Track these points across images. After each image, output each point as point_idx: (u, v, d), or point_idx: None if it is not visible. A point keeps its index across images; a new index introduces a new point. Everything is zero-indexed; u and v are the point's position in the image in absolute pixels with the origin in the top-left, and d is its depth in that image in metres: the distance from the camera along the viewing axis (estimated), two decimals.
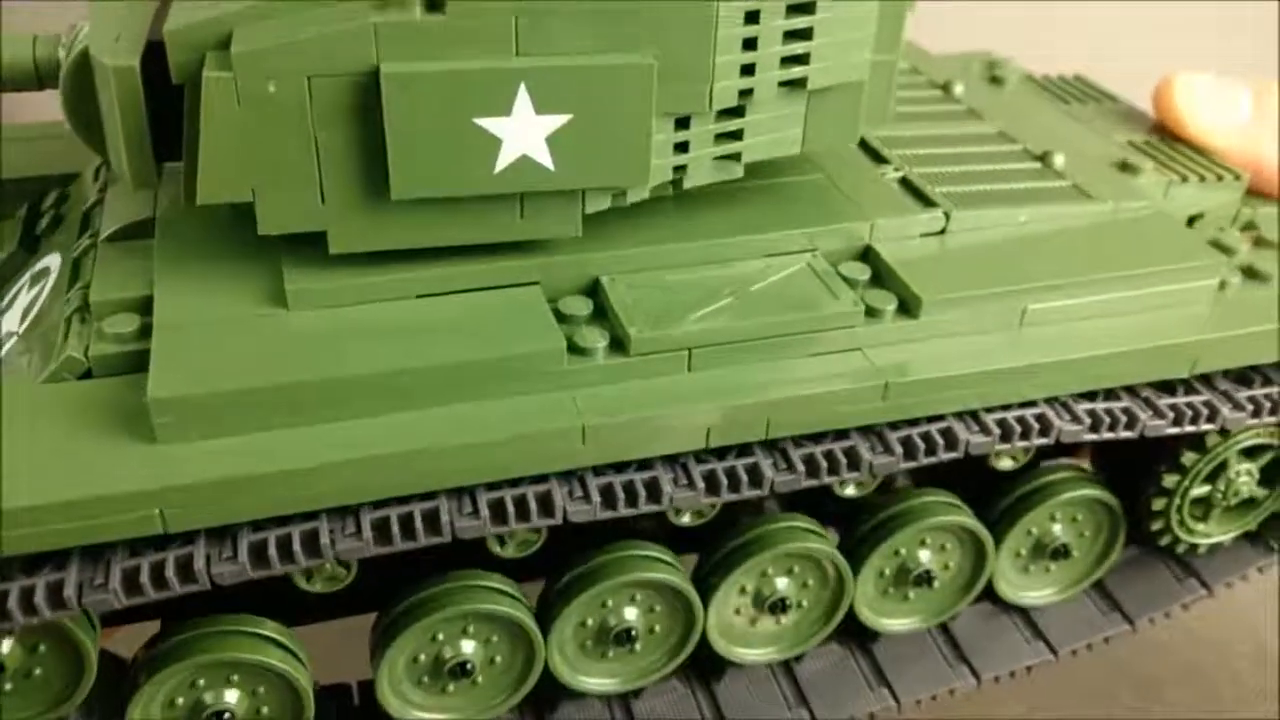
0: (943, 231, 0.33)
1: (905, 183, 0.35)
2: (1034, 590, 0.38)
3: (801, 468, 0.29)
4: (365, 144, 0.27)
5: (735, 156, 0.31)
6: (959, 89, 0.41)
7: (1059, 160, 0.36)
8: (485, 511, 0.27)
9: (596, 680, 0.34)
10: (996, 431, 0.31)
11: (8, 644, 0.28)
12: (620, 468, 0.29)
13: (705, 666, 0.36)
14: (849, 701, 0.37)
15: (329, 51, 0.26)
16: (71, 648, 0.28)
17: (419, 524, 0.27)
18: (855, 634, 0.37)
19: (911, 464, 0.30)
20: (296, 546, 0.26)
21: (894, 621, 0.37)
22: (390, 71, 0.26)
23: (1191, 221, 0.37)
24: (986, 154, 0.37)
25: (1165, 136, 0.40)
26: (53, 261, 0.33)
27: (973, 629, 0.38)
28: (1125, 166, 0.37)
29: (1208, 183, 0.37)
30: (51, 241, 0.35)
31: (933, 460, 0.30)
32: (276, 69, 0.26)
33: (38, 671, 0.28)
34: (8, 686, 0.28)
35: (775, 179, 0.33)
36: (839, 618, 0.35)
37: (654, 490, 0.28)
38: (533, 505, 0.27)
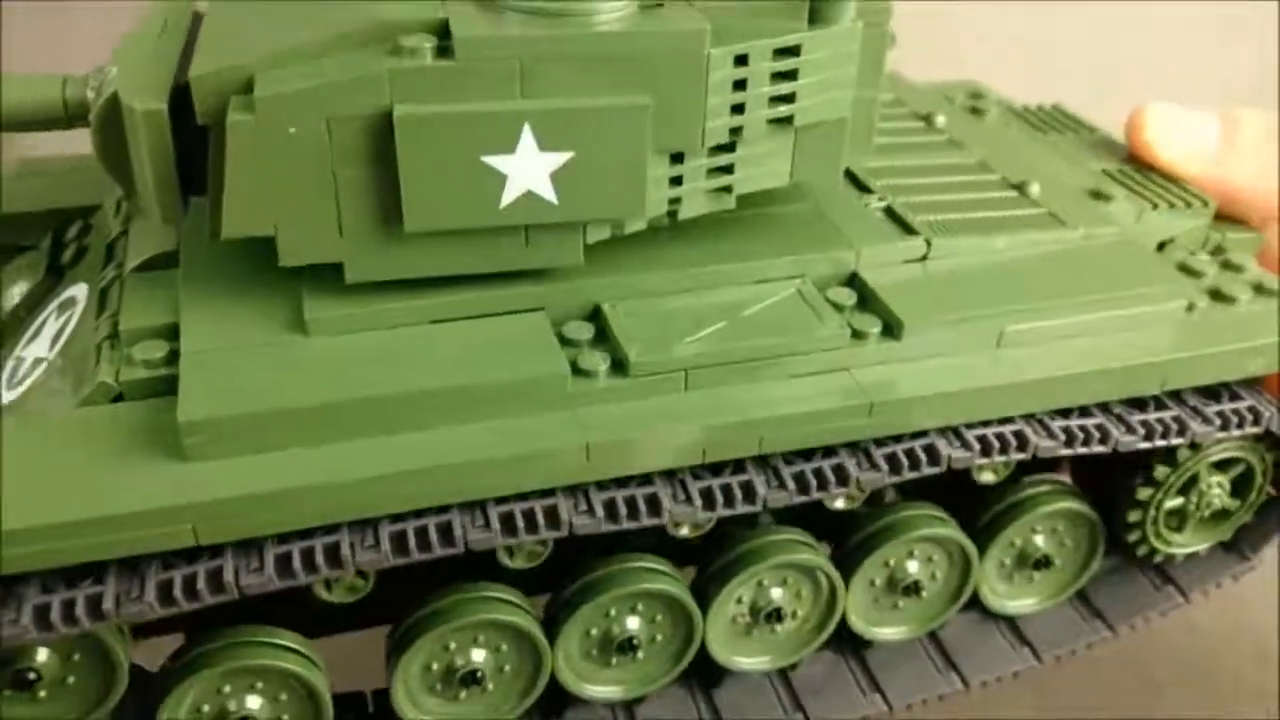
0: (924, 258, 0.35)
1: (889, 212, 0.36)
2: (1018, 599, 0.40)
3: (792, 484, 0.31)
4: (380, 180, 0.29)
5: (727, 189, 0.33)
6: (941, 120, 0.43)
7: (1035, 189, 0.38)
8: (496, 524, 0.29)
9: (601, 688, 0.35)
10: (976, 447, 0.32)
11: (44, 653, 0.29)
12: (622, 483, 0.30)
13: (704, 672, 0.38)
14: (843, 706, 0.38)
15: (346, 96, 0.28)
16: (104, 657, 0.30)
17: (434, 536, 0.28)
18: (849, 641, 0.39)
19: (896, 479, 0.32)
20: (319, 558, 0.28)
21: (885, 630, 0.38)
22: (403, 114, 0.28)
23: (1162, 246, 0.39)
24: (966, 183, 0.39)
25: (1138, 165, 0.42)
26: (79, 291, 0.35)
27: (961, 636, 0.40)
28: (1098, 194, 0.39)
29: (1177, 209, 0.39)
30: (77, 271, 0.37)
31: (916, 475, 0.32)
32: (297, 112, 0.28)
33: (72, 679, 0.30)
34: (43, 694, 0.30)
35: (765, 209, 0.35)
36: (832, 626, 0.37)
37: (654, 504, 0.30)
38: (540, 518, 0.29)
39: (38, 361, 0.34)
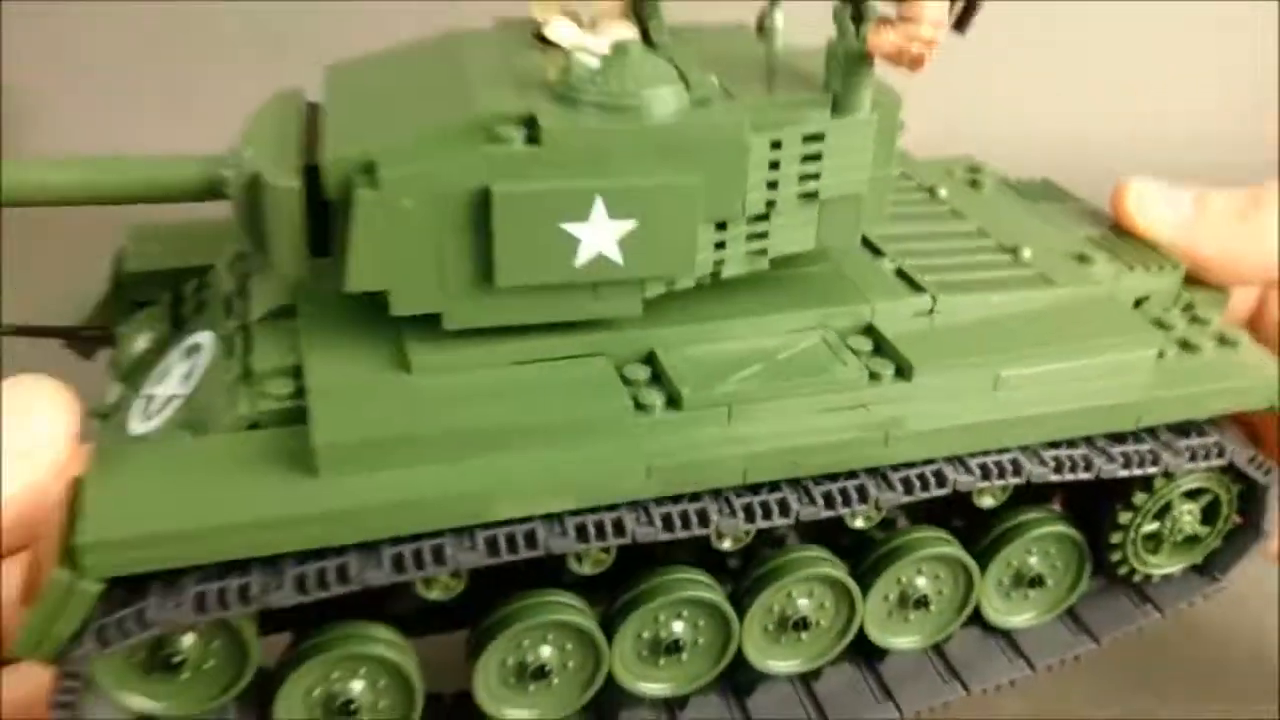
0: (931, 312, 0.41)
1: (900, 272, 0.42)
2: (1016, 615, 0.45)
3: (820, 501, 0.36)
4: (476, 244, 0.34)
5: (762, 252, 0.38)
6: (943, 192, 0.49)
7: (1026, 253, 0.44)
8: (571, 533, 0.34)
9: (652, 685, 0.40)
10: (978, 472, 0.38)
11: (189, 639, 0.34)
12: (676, 499, 0.36)
13: (738, 682, 0.43)
14: (861, 712, 0.43)
15: (452, 176, 0.34)
16: (239, 646, 0.35)
17: (520, 541, 0.34)
18: (865, 657, 0.44)
19: (909, 499, 0.37)
20: (426, 557, 0.33)
21: (898, 640, 0.43)
22: (498, 191, 0.33)
23: (1139, 303, 0.44)
24: (966, 248, 0.45)
25: (1119, 232, 0.47)
26: (204, 338, 0.41)
27: (964, 650, 0.45)
28: (1082, 258, 0.45)
29: (1151, 271, 0.45)
30: (198, 322, 0.42)
31: (927, 496, 0.37)
32: (412, 189, 0.33)
33: (210, 664, 0.35)
34: (185, 676, 0.35)
35: (794, 269, 0.41)
36: (851, 634, 0.42)
37: (704, 517, 0.35)
38: (609, 528, 0.35)
39: (171, 398, 0.39)
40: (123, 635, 0.31)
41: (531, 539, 0.34)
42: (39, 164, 0.37)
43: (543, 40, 0.41)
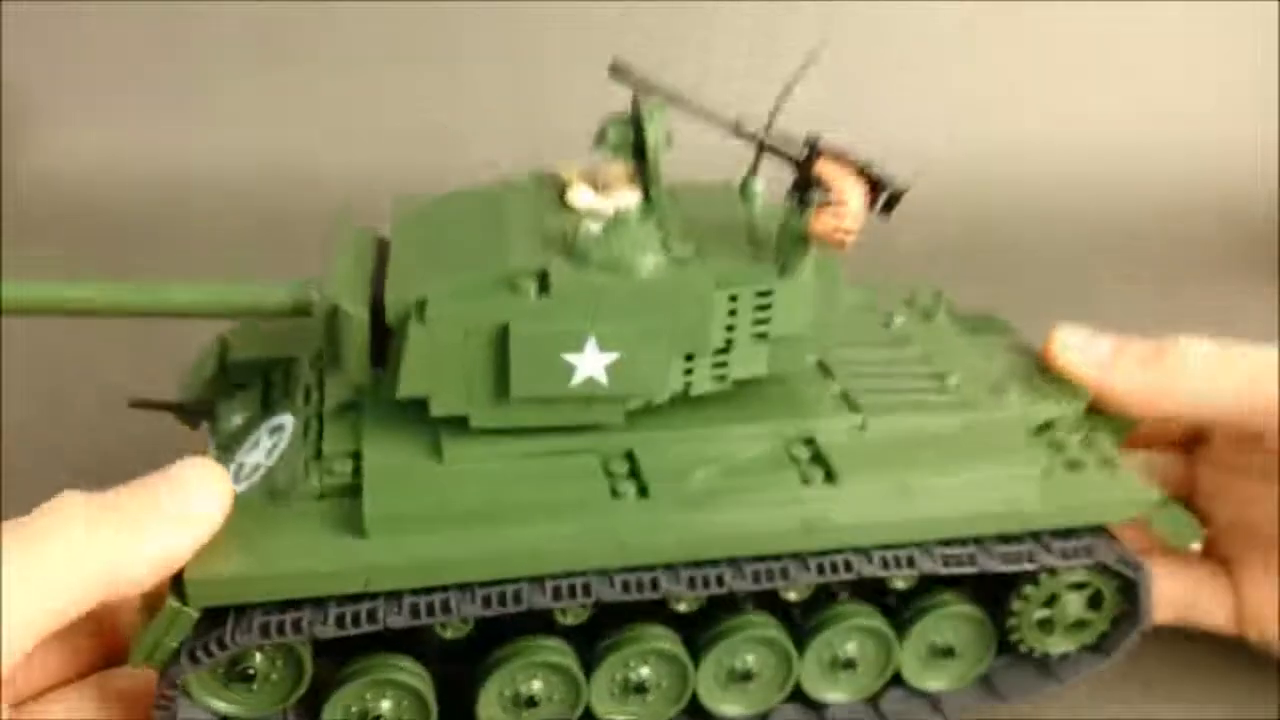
0: (862, 428, 0.50)
1: (844, 394, 0.52)
2: (933, 681, 0.54)
3: (749, 577, 0.46)
4: (496, 364, 0.45)
5: (723, 376, 0.48)
6: (898, 320, 0.59)
7: (953, 380, 0.53)
8: (549, 593, 0.44)
9: None
10: (878, 563, 0.47)
11: (259, 657, 0.45)
12: (636, 569, 0.45)
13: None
14: None
15: (481, 316, 0.44)
16: (297, 664, 0.45)
17: (509, 598, 0.44)
18: (811, 705, 0.53)
19: (820, 579, 0.46)
20: (437, 608, 0.43)
21: (831, 694, 0.52)
22: (515, 330, 0.44)
23: (1046, 426, 0.54)
24: (904, 373, 0.54)
25: (1040, 365, 0.57)
26: (286, 420, 0.52)
27: (894, 704, 0.54)
28: (999, 387, 0.54)
29: (1058, 401, 0.54)
30: (284, 405, 0.53)
31: (836, 579, 0.47)
32: (449, 324, 0.44)
33: (274, 678, 0.45)
34: (255, 687, 0.45)
35: (757, 388, 0.51)
36: (790, 687, 0.51)
37: (656, 584, 0.45)
38: (579, 590, 0.44)
39: (257, 467, 0.50)
40: (207, 655, 0.42)
41: (518, 597, 0.44)
42: (171, 286, 0.48)
43: (565, 202, 0.52)
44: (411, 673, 0.47)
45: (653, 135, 0.49)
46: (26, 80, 1.19)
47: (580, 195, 0.51)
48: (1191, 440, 0.60)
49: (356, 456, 0.47)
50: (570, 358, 0.45)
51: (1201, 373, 0.52)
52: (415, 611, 0.43)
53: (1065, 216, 1.16)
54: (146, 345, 0.75)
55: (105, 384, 0.77)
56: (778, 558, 0.46)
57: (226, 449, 0.53)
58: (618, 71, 0.47)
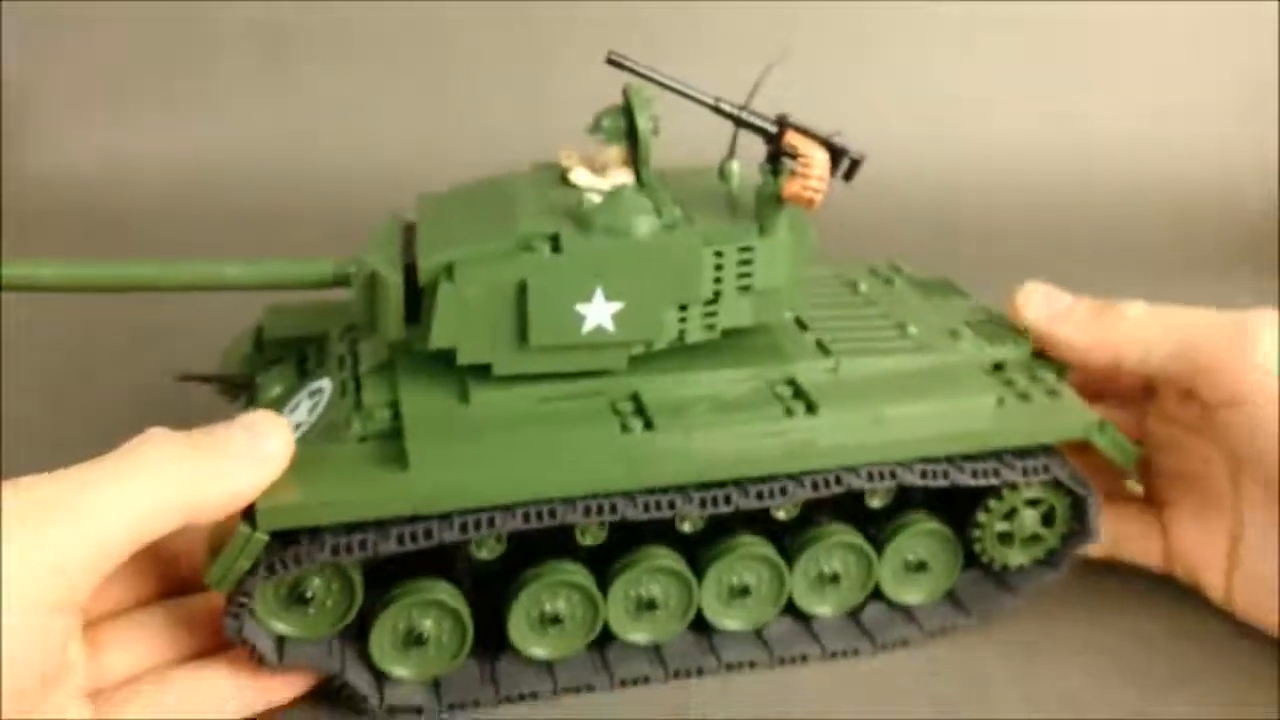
0: (835, 369, 0.57)
1: (818, 342, 0.59)
2: (908, 594, 0.60)
3: (753, 495, 0.52)
4: (516, 316, 0.52)
5: (713, 325, 0.55)
6: (863, 286, 0.66)
7: (912, 329, 0.61)
8: (580, 510, 0.51)
9: (636, 635, 0.56)
10: (865, 476, 0.54)
11: (317, 581, 0.51)
12: (651, 491, 0.52)
13: (706, 633, 0.58)
14: (794, 647, 0.58)
15: (502, 275, 0.51)
16: (350, 587, 0.51)
17: (544, 514, 0.50)
18: (800, 616, 0.59)
19: (815, 494, 0.53)
20: (484, 524, 0.49)
21: (819, 607, 0.59)
22: (533, 283, 0.51)
23: (997, 367, 0.61)
24: (869, 325, 0.61)
25: (990, 317, 0.64)
26: (324, 384, 0.58)
27: (875, 616, 0.60)
28: (954, 334, 0.61)
29: (1006, 345, 0.61)
30: (319, 373, 0.60)
31: (828, 493, 0.53)
32: (475, 282, 0.51)
33: (329, 602, 0.51)
34: (312, 611, 0.51)
35: (743, 339, 0.57)
36: (783, 600, 0.57)
37: (673, 504, 0.51)
38: (606, 509, 0.51)
39: (299, 425, 0.56)
40: (284, 567, 0.48)
41: (553, 513, 0.50)
42: (225, 263, 0.54)
43: (567, 181, 0.59)
44: (450, 594, 0.53)
45: (643, 122, 0.56)
46: (29, 79, 1.20)
47: (580, 175, 0.58)
48: (1143, 395, 0.66)
49: (394, 405, 0.53)
50: (581, 308, 0.52)
51: (1139, 328, 0.58)
52: (464, 528, 0.49)
53: (1061, 213, 1.18)
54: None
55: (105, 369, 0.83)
56: (775, 477, 0.53)
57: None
58: (614, 61, 0.54)
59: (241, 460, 0.47)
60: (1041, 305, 0.62)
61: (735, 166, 0.60)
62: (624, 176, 0.58)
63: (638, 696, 0.56)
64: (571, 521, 0.50)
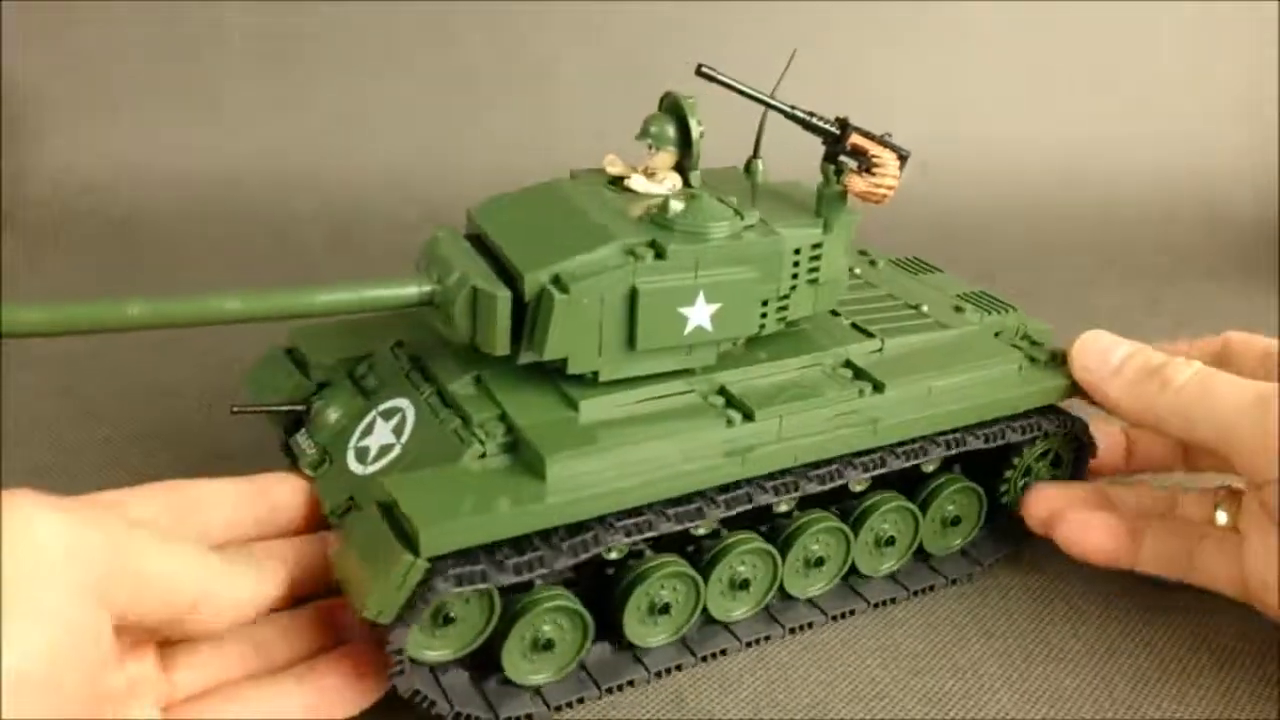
0: (880, 350, 0.63)
1: (854, 325, 0.64)
2: (942, 544, 0.67)
3: (860, 467, 0.57)
4: (626, 322, 0.53)
5: (784, 317, 0.59)
6: (857, 270, 0.72)
7: (925, 308, 0.67)
8: (721, 504, 0.53)
9: (736, 611, 0.60)
10: (943, 445, 0.59)
11: (459, 601, 0.51)
12: (750, 481, 0.55)
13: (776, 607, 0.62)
14: (797, 618, 0.62)
15: (613, 283, 0.53)
16: (489, 602, 0.52)
17: (665, 520, 0.52)
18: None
19: (902, 465, 0.58)
20: (645, 527, 0.51)
21: (882, 566, 0.64)
22: (642, 289, 0.53)
23: (997, 335, 0.68)
24: (886, 307, 0.67)
25: (978, 290, 0.71)
26: (400, 403, 0.57)
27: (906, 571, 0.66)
28: (958, 309, 0.68)
29: (1001, 314, 0.68)
30: (386, 392, 0.59)
31: (900, 466, 0.59)
32: (588, 292, 0.52)
33: (468, 619, 0.52)
34: (452, 630, 0.52)
35: (797, 327, 0.62)
36: (847, 568, 0.62)
37: (797, 485, 0.55)
38: (743, 499, 0.54)
39: (389, 446, 0.56)
40: (469, 582, 0.48)
41: (699, 511, 0.53)
42: (311, 292, 0.52)
43: (615, 185, 0.61)
44: (570, 598, 0.54)
45: (695, 127, 0.59)
46: (35, 84, 1.18)
47: (637, 182, 0.60)
48: None
49: (504, 420, 0.54)
50: (684, 310, 0.54)
51: (1182, 400, 0.56)
52: (628, 531, 0.51)
53: (1056, 215, 1.22)
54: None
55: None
56: (867, 452, 0.58)
57: (336, 438, 0.58)
58: (705, 74, 0.57)
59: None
60: (1094, 361, 0.61)
61: (760, 165, 0.64)
62: (674, 180, 0.61)
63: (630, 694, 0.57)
64: (714, 517, 0.53)
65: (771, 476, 0.56)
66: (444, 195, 1.05)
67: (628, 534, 0.51)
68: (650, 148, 0.60)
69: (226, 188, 1.15)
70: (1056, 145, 1.28)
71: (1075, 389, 0.63)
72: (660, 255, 0.53)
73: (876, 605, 0.63)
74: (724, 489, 0.55)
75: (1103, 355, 0.61)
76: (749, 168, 0.64)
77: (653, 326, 0.54)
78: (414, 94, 1.23)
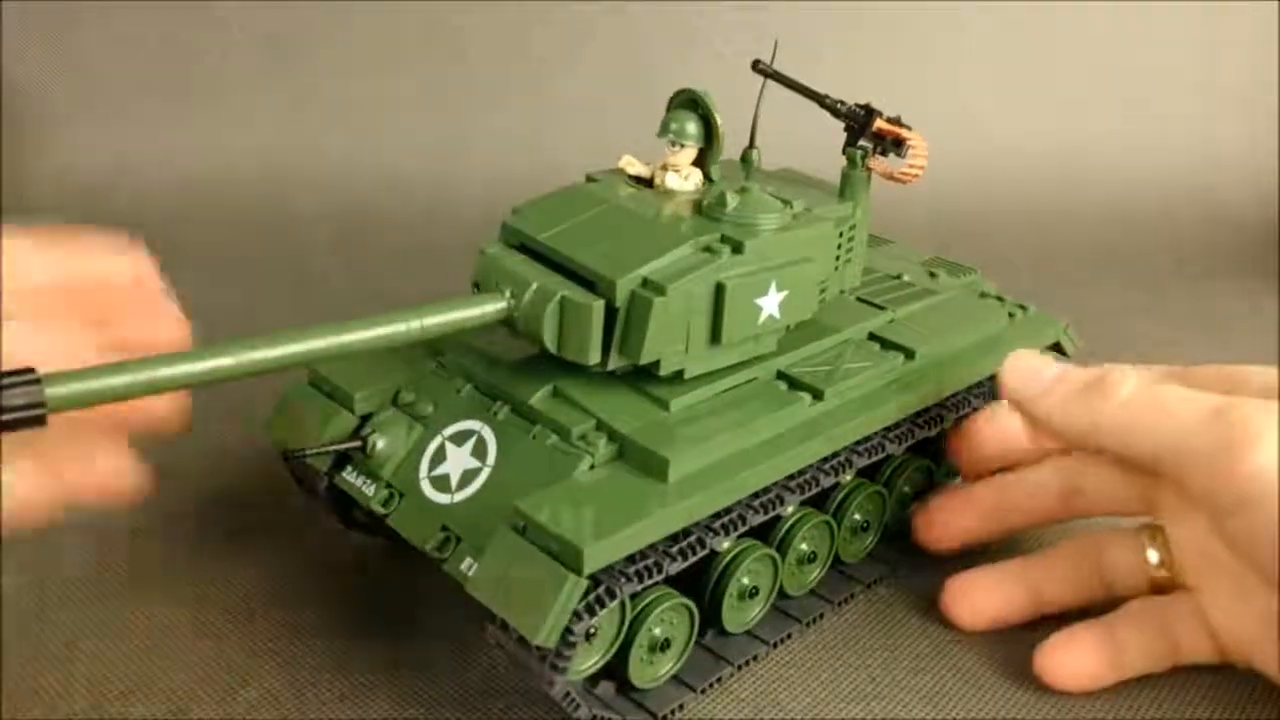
0: (894, 320, 0.66)
1: (860, 299, 0.67)
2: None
3: (921, 426, 0.61)
4: (711, 318, 0.54)
5: (823, 299, 0.61)
6: None
7: (907, 276, 0.71)
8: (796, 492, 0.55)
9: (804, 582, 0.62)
10: (939, 414, 0.64)
11: (601, 616, 0.50)
12: (828, 458, 0.58)
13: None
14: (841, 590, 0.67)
15: (702, 281, 0.53)
16: (622, 618, 0.52)
17: (761, 505, 0.54)
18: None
19: (920, 436, 0.62)
20: (774, 504, 0.53)
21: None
22: (729, 284, 0.54)
23: (982, 295, 0.73)
24: (873, 280, 0.70)
25: (937, 258, 0.76)
26: (473, 425, 0.56)
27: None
28: (932, 274, 0.73)
29: (961, 275, 0.74)
30: (446, 416, 0.57)
31: (924, 435, 0.63)
32: (679, 293, 0.53)
33: (606, 629, 0.51)
34: (595, 642, 0.51)
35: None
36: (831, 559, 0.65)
37: (837, 470, 0.58)
38: (794, 484, 0.56)
39: (476, 470, 0.54)
40: (649, 575, 0.48)
41: (779, 500, 0.55)
42: (403, 319, 0.50)
43: (636, 181, 0.61)
44: (678, 595, 0.55)
45: (718, 122, 0.60)
46: (35, 84, 1.17)
47: (670, 179, 0.61)
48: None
49: (601, 427, 0.53)
50: (760, 300, 0.56)
51: (1121, 418, 0.52)
52: (725, 528, 0.53)
53: (1056, 215, 1.23)
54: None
55: None
56: (917, 415, 0.61)
57: (399, 470, 0.56)
58: (761, 70, 0.58)
59: None
60: (1023, 380, 0.58)
61: (755, 155, 0.66)
62: (696, 176, 0.62)
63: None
64: (791, 502, 0.56)
65: (826, 459, 0.58)
66: (444, 195, 1.06)
67: (725, 530, 0.52)
68: (673, 144, 0.61)
69: (227, 188, 1.12)
70: (1056, 145, 1.28)
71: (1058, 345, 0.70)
72: (737, 250, 0.54)
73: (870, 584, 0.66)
74: (791, 475, 0.57)
75: (1032, 373, 0.57)
76: (745, 157, 0.65)
77: (735, 319, 0.55)
78: (414, 94, 1.20)
